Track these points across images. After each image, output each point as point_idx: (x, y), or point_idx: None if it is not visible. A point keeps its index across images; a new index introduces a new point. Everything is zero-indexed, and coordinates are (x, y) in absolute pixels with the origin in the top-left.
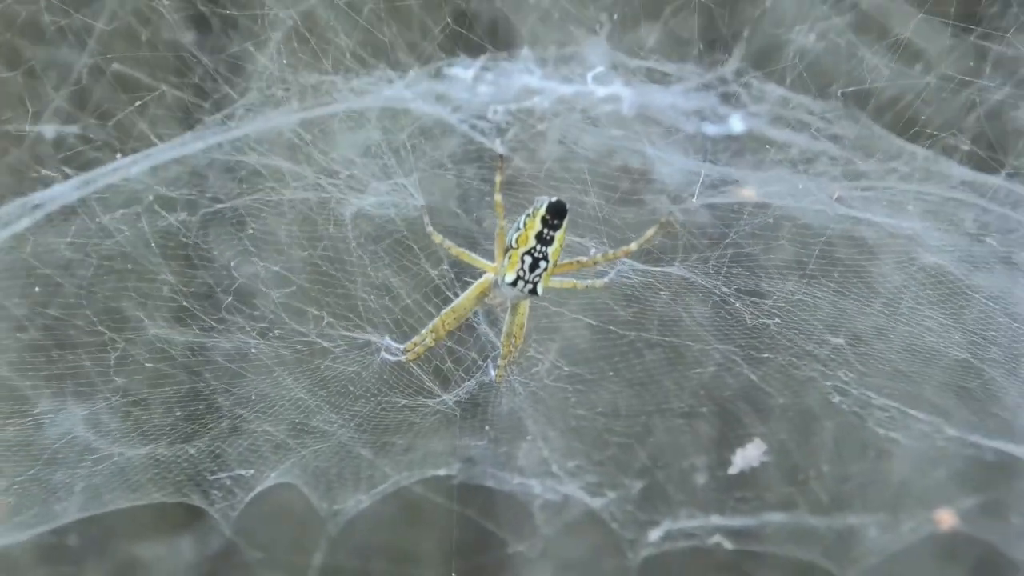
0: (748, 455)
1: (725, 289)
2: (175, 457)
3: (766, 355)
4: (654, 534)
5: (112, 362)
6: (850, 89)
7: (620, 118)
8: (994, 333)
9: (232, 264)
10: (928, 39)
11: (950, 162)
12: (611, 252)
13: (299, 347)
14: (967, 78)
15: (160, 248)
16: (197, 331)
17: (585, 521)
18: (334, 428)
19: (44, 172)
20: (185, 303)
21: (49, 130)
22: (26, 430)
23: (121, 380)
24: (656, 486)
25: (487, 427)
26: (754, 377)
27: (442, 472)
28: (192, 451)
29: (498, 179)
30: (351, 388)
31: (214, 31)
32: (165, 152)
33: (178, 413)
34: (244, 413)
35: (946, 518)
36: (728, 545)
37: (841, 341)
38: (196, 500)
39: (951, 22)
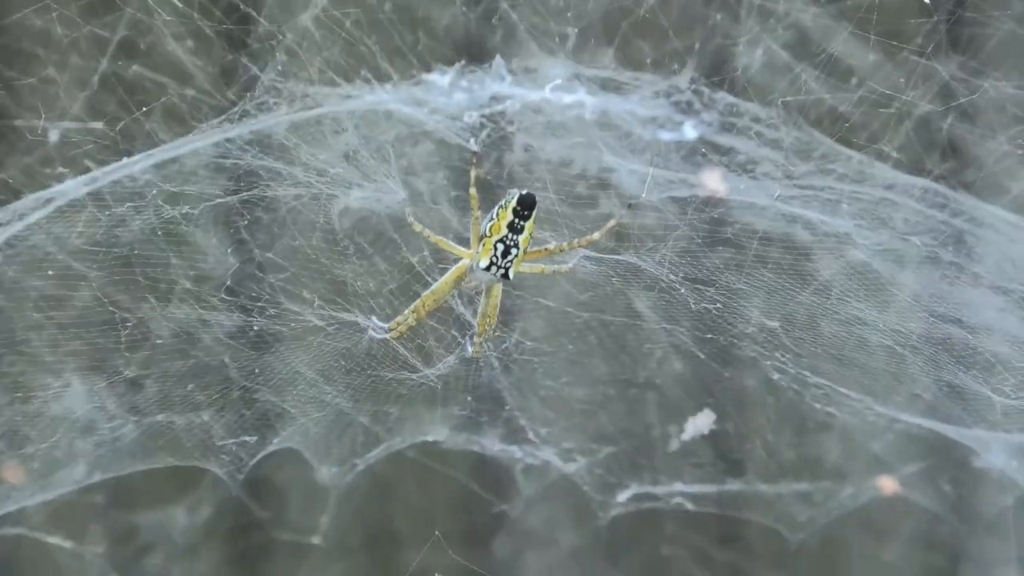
0: (698, 423)
1: (673, 277)
2: (187, 425)
3: (709, 336)
4: (621, 496)
5: (124, 339)
6: (790, 99)
7: (583, 122)
8: (913, 325)
9: (230, 251)
10: (863, 57)
11: (883, 165)
12: (575, 241)
13: (294, 325)
14: (894, 94)
15: (166, 237)
16: (202, 311)
17: (561, 484)
18: (330, 399)
19: (60, 170)
20: (191, 286)
21: (56, 132)
22: (48, 401)
23: (135, 356)
24: (623, 453)
25: (468, 398)
26: (701, 354)
27: (430, 438)
28: (205, 417)
29: (473, 174)
30: (343, 363)
31: (216, 44)
32: (168, 151)
33: (189, 386)
34: (248, 385)
35: (888, 484)
36: (689, 506)
37: (776, 324)
38: (206, 464)
39: (892, 42)
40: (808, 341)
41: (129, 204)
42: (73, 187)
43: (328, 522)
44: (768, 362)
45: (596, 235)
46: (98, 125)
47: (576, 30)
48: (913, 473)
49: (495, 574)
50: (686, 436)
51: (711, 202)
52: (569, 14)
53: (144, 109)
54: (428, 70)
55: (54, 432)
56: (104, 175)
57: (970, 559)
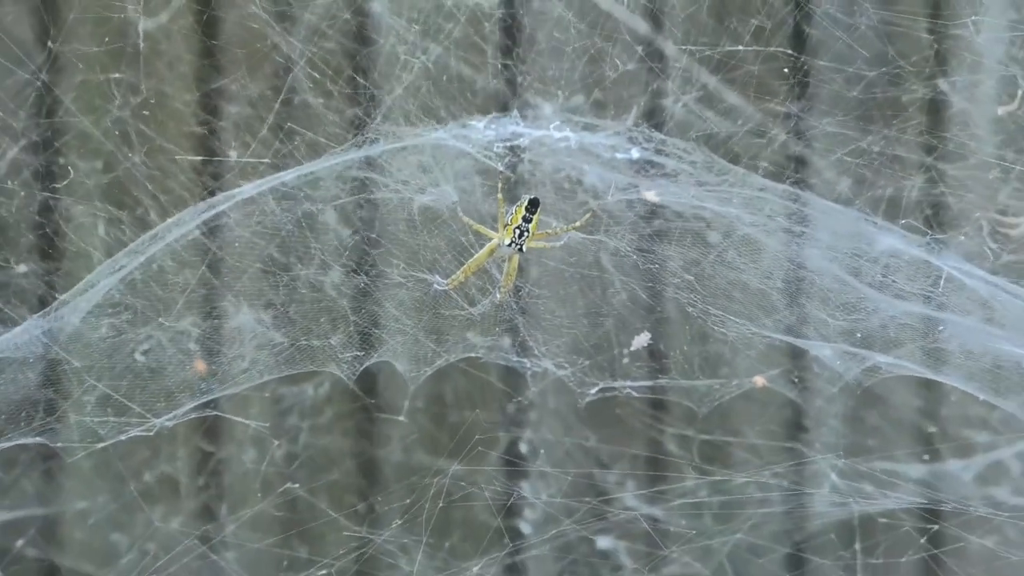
0: (640, 340)
1: (628, 248)
2: (321, 345)
3: (650, 284)
4: (593, 390)
5: (282, 289)
6: (700, 134)
7: (569, 149)
8: (778, 272)
9: (348, 234)
10: (746, 106)
11: (757, 175)
12: (565, 226)
13: (386, 281)
14: (766, 129)
15: (307, 222)
16: (328, 270)
17: (555, 382)
18: (409, 328)
19: (240, 181)
20: (322, 254)
21: (235, 153)
22: (231, 326)
23: (287, 296)
24: (594, 363)
25: (497, 328)
26: (644, 296)
27: (473, 354)
28: (332, 342)
29: (500, 185)
30: (417, 305)
31: (337, 98)
32: (308, 168)
33: (322, 320)
34: (357, 320)
35: (760, 380)
36: (634, 394)
37: (691, 277)
38: (332, 369)
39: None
40: (710, 286)
41: (284, 200)
42: (248, 189)
43: (408, 406)
44: (684, 299)
45: (578, 223)
46: (266, 161)
47: (567, 92)
48: (777, 372)
49: (516, 431)
50: (632, 348)
51: (651, 201)
52: (561, 81)
53: (287, 149)
54: (471, 117)
55: (235, 346)
56: (266, 182)
57: (811, 418)
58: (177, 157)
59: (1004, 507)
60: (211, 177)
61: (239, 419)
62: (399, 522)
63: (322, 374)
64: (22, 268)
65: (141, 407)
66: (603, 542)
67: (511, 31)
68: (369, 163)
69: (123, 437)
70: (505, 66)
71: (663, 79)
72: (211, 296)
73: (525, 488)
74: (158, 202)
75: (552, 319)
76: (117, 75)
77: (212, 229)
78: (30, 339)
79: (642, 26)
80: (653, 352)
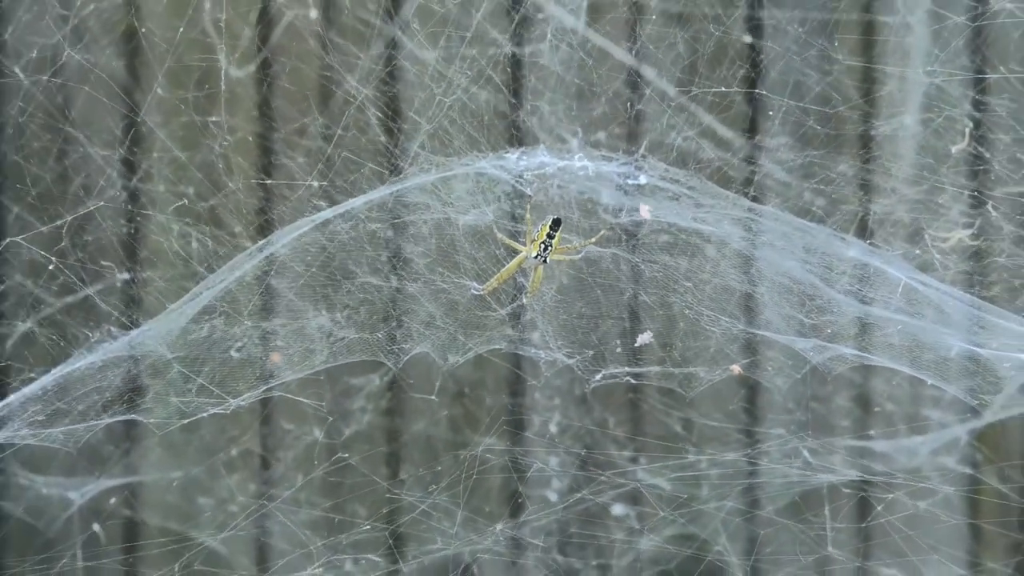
0: (644, 337)
1: (636, 259)
2: (372, 339)
3: (652, 291)
4: (597, 376)
5: (344, 293)
6: (698, 165)
7: (588, 176)
8: (758, 278)
9: (403, 247)
10: (737, 140)
11: (744, 198)
12: (583, 241)
13: (432, 287)
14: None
15: (369, 239)
16: (383, 278)
17: (564, 370)
18: (447, 326)
19: (319, 203)
20: (380, 265)
21: (316, 183)
22: (300, 324)
23: (349, 300)
24: (599, 354)
25: (519, 325)
26: (647, 299)
27: (496, 346)
28: (379, 335)
29: (528, 206)
30: (456, 308)
31: (394, 135)
32: (367, 196)
33: (374, 318)
34: (404, 319)
35: (736, 368)
36: (632, 380)
37: (690, 284)
38: (382, 359)
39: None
40: (706, 291)
41: (349, 222)
42: (326, 213)
43: (440, 388)
44: (683, 302)
45: (594, 239)
46: (322, 183)
47: (587, 126)
48: (749, 361)
49: (530, 412)
50: (637, 344)
51: (654, 219)
52: (583, 120)
53: (352, 177)
54: (506, 151)
55: (307, 339)
56: (341, 207)
57: (781, 395)
58: (265, 182)
59: (950, 474)
60: (292, 202)
61: (302, 399)
62: (435, 487)
63: (377, 366)
64: (126, 275)
65: (226, 391)
66: (613, 508)
67: (541, 76)
68: (421, 188)
69: (204, 415)
70: (535, 106)
71: (665, 116)
72: (287, 300)
73: (542, 460)
74: (243, 221)
75: (568, 317)
76: (214, 119)
77: (294, 247)
78: (143, 341)
79: (648, 72)
80: (653, 348)
